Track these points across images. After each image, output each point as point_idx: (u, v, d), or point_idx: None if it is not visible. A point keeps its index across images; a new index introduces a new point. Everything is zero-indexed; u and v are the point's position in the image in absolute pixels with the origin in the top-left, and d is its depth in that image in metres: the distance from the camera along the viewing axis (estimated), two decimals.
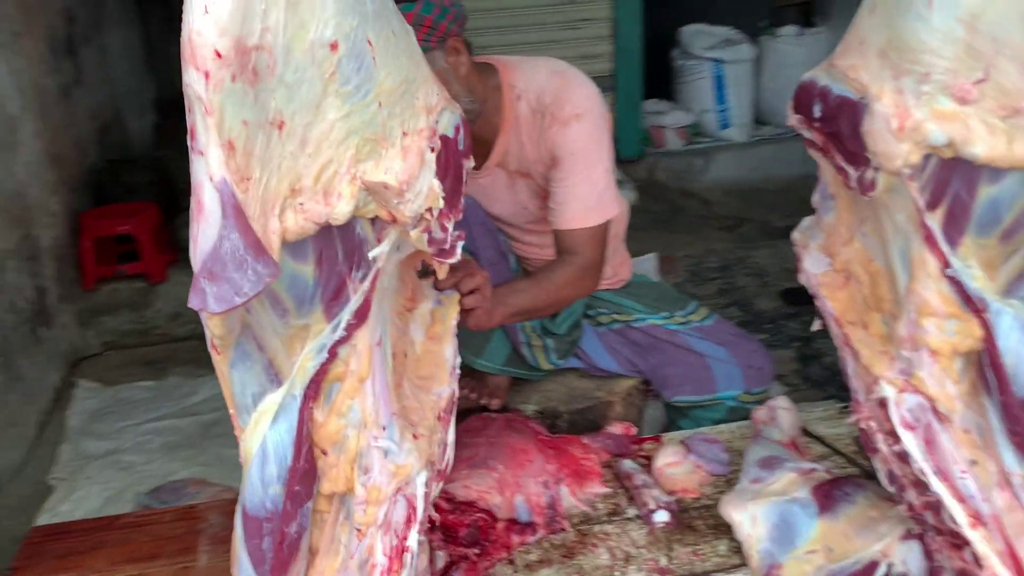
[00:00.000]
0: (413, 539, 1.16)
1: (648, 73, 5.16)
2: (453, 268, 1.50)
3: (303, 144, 0.94)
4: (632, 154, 5.18)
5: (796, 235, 1.57)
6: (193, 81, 0.87)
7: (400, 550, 1.15)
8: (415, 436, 1.20)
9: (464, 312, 1.52)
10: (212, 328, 1.00)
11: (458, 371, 1.39)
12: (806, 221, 1.59)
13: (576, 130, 1.73)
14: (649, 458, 1.87)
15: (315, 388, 1.12)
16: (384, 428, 1.14)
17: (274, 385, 1.13)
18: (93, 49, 4.05)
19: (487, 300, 1.54)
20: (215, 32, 0.86)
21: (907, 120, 1.19)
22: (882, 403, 1.35)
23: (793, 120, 1.42)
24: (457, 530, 1.61)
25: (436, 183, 1.05)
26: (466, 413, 2.03)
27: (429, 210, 1.06)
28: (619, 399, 2.07)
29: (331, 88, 0.93)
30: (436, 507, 1.62)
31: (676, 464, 1.85)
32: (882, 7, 1.22)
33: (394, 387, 1.19)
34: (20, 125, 3.14)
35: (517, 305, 1.71)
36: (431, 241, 1.14)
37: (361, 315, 1.09)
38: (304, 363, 1.12)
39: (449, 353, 1.35)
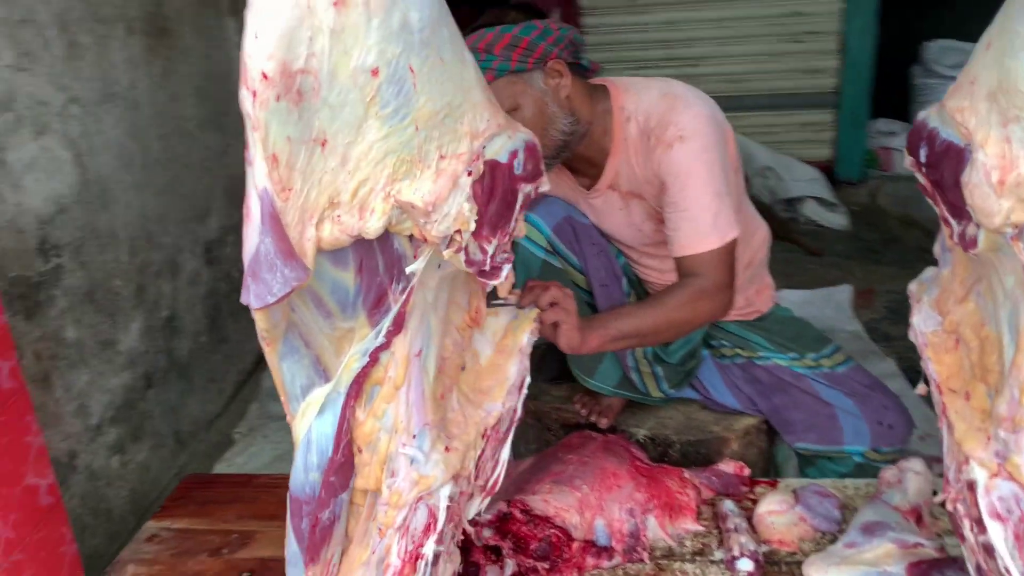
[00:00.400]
0: (429, 548, 1.20)
1: (878, 90, 4.81)
2: (531, 287, 1.53)
3: (343, 161, 1.02)
4: (853, 176, 4.87)
5: (912, 287, 1.44)
6: (243, 98, 0.97)
7: (415, 556, 1.20)
8: (447, 449, 1.24)
9: (553, 329, 1.54)
10: (258, 322, 1.11)
11: (524, 390, 1.41)
12: (928, 272, 1.45)
13: (680, 152, 1.69)
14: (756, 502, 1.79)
15: (357, 388, 1.20)
16: (414, 437, 1.20)
17: (321, 380, 1.23)
18: None
19: (570, 315, 1.54)
20: (263, 56, 0.97)
21: (1011, 173, 1.08)
22: (971, 486, 1.21)
23: (907, 162, 1.31)
24: (528, 542, 1.64)
25: (467, 206, 1.08)
26: (574, 428, 2.05)
27: (459, 232, 1.10)
28: (736, 437, 1.99)
29: (371, 111, 1.00)
30: (511, 516, 1.66)
31: (779, 513, 1.76)
32: (997, 44, 1.10)
33: (434, 398, 1.25)
34: None
35: (620, 329, 1.68)
36: (468, 261, 1.17)
37: (398, 325, 1.16)
38: (350, 363, 1.20)
39: (513, 370, 1.38)
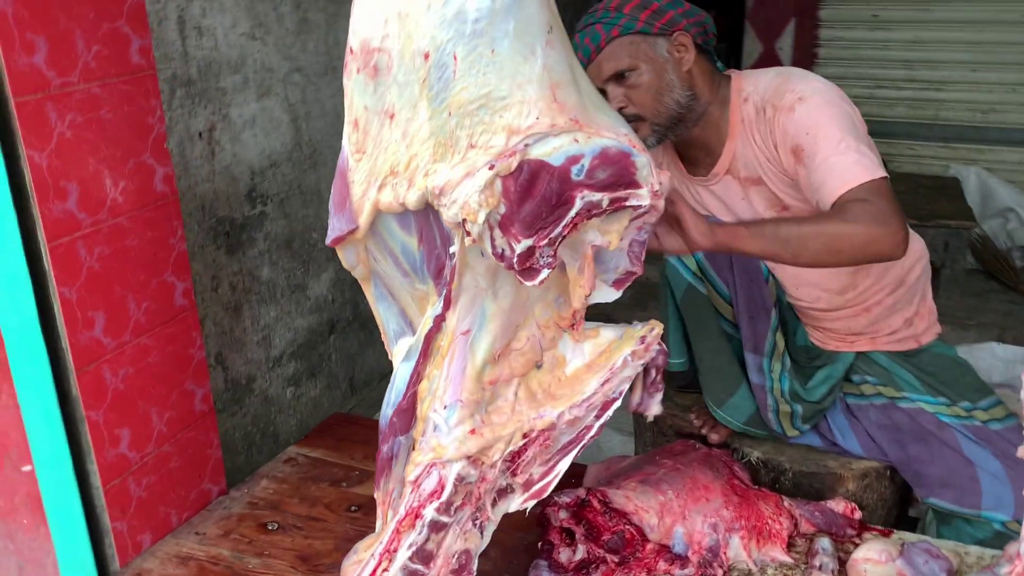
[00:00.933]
0: (429, 512, 1.27)
1: None
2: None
3: (404, 135, 1.13)
4: None
5: None
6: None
7: (415, 514, 1.28)
8: (473, 431, 1.30)
9: (670, 228, 1.44)
10: (341, 258, 1.27)
11: (606, 412, 1.41)
12: None
13: (802, 111, 1.63)
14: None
15: (426, 347, 1.31)
16: (444, 407, 1.28)
17: (409, 331, 1.35)
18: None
19: (694, 223, 1.40)
20: (351, 33, 1.11)
21: None
22: None
23: None
24: (602, 532, 1.67)
25: (476, 197, 1.11)
26: (687, 437, 2.03)
27: (466, 220, 1.13)
28: (853, 477, 1.87)
29: (423, 92, 1.10)
30: (588, 504, 1.70)
31: (876, 562, 1.65)
32: None
33: (478, 379, 1.30)
34: None
35: (763, 227, 1.49)
36: (495, 254, 1.19)
37: (445, 301, 1.25)
38: (424, 323, 1.31)
39: (592, 385, 1.39)
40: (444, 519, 1.31)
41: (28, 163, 1.45)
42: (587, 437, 1.41)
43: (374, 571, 1.33)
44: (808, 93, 1.63)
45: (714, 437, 1.96)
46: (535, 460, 1.40)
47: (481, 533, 1.40)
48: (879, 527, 1.81)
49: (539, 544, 1.72)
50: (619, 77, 1.71)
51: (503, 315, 1.33)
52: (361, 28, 1.09)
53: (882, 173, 1.55)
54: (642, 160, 1.20)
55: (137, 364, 1.73)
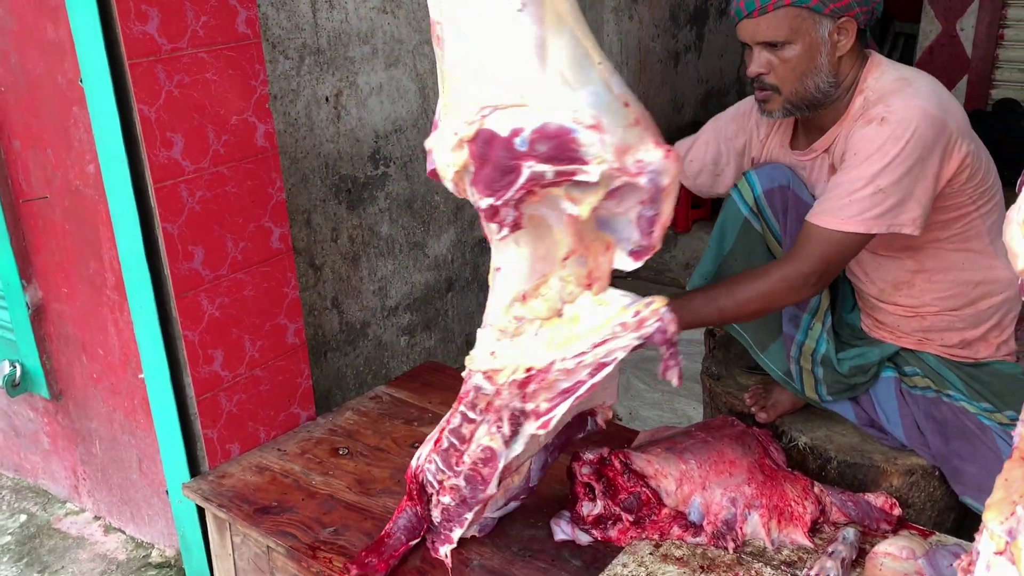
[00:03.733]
0: (461, 406, 1.60)
1: None
2: None
3: (452, 96, 1.31)
4: None
5: None
6: None
7: (456, 405, 1.64)
8: (492, 353, 1.54)
9: None
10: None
11: (594, 370, 1.50)
12: None
13: (872, 132, 1.60)
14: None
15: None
16: (484, 328, 1.55)
17: None
18: (723, 21, 4.52)
19: None
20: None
21: None
22: (976, 558, 1.08)
23: None
24: (619, 491, 1.74)
25: (450, 155, 1.31)
26: (739, 416, 2.03)
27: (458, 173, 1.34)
28: (898, 472, 1.81)
29: (440, 62, 1.26)
30: (609, 463, 1.77)
31: (895, 557, 1.62)
32: None
33: (509, 313, 1.51)
34: None
35: (696, 315, 1.65)
36: (474, 204, 1.39)
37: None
38: None
39: (583, 345, 1.50)
40: (471, 414, 1.58)
41: (139, 116, 1.72)
42: (581, 389, 1.50)
43: (436, 441, 1.69)
44: (894, 118, 1.59)
45: (762, 416, 1.96)
46: (539, 394, 1.52)
47: (504, 442, 1.57)
48: (920, 527, 1.75)
49: (540, 470, 1.82)
50: (771, 45, 1.68)
51: (525, 261, 1.48)
52: (431, 4, 1.28)
53: (856, 228, 1.61)
54: (587, 137, 1.27)
55: (232, 296, 1.99)
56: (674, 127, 4.22)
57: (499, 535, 1.79)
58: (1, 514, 2.47)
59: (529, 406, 1.54)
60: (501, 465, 1.59)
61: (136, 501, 2.28)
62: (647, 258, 1.53)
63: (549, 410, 1.53)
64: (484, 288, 3.34)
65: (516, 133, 1.27)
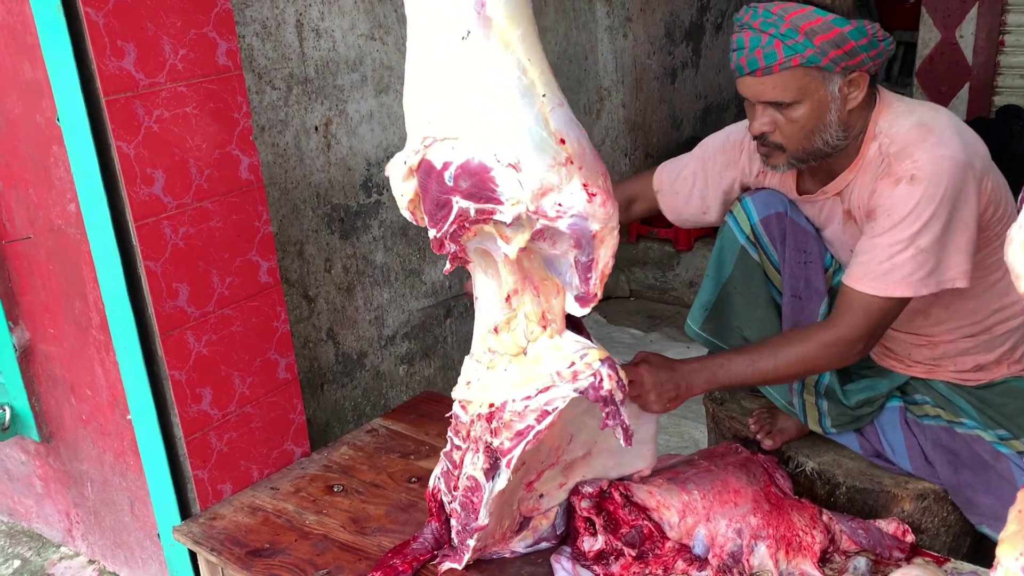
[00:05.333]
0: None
1: None
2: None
3: (409, 125, 1.36)
4: None
5: None
6: None
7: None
8: (468, 383, 1.55)
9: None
10: None
11: (540, 416, 1.46)
12: None
13: (903, 192, 1.52)
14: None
15: None
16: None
17: None
18: (720, 36, 4.49)
19: (646, 391, 1.60)
20: None
21: None
22: None
23: None
24: (620, 525, 1.68)
25: (395, 185, 1.36)
26: (743, 441, 1.97)
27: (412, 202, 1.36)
28: (909, 497, 1.75)
29: None
30: (609, 495, 1.71)
31: None
32: None
33: (485, 344, 1.49)
34: (609, 96, 3.79)
35: (727, 378, 1.63)
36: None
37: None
38: None
39: (530, 389, 1.47)
40: (455, 440, 1.57)
41: (117, 152, 1.69)
42: (530, 434, 1.44)
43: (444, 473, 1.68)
44: (924, 174, 1.51)
45: (767, 443, 1.90)
46: (501, 431, 1.46)
47: (485, 473, 1.51)
48: (934, 553, 1.68)
49: (566, 530, 1.76)
50: (777, 104, 1.58)
51: (492, 292, 1.42)
52: None
53: (899, 293, 1.55)
54: (504, 176, 1.23)
55: (220, 332, 1.95)
56: (672, 144, 4.17)
57: (498, 572, 1.73)
58: None
59: (495, 442, 1.49)
60: (486, 497, 1.53)
61: (129, 544, 2.22)
62: (592, 305, 1.46)
63: (510, 450, 1.47)
64: None
65: (446, 167, 1.26)
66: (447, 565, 1.67)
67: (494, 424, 1.45)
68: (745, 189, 1.88)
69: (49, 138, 1.81)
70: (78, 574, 2.34)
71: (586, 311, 1.41)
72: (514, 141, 1.24)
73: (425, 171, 1.27)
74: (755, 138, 1.65)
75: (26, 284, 2.08)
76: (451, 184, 1.26)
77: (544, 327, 1.44)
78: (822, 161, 1.69)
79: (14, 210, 2.00)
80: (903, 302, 1.58)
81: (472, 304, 3.21)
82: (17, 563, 2.40)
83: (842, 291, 1.61)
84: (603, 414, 1.41)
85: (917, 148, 1.55)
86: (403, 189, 1.29)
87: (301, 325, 2.55)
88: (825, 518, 1.70)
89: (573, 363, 1.40)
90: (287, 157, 2.45)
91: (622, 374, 1.43)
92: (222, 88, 1.86)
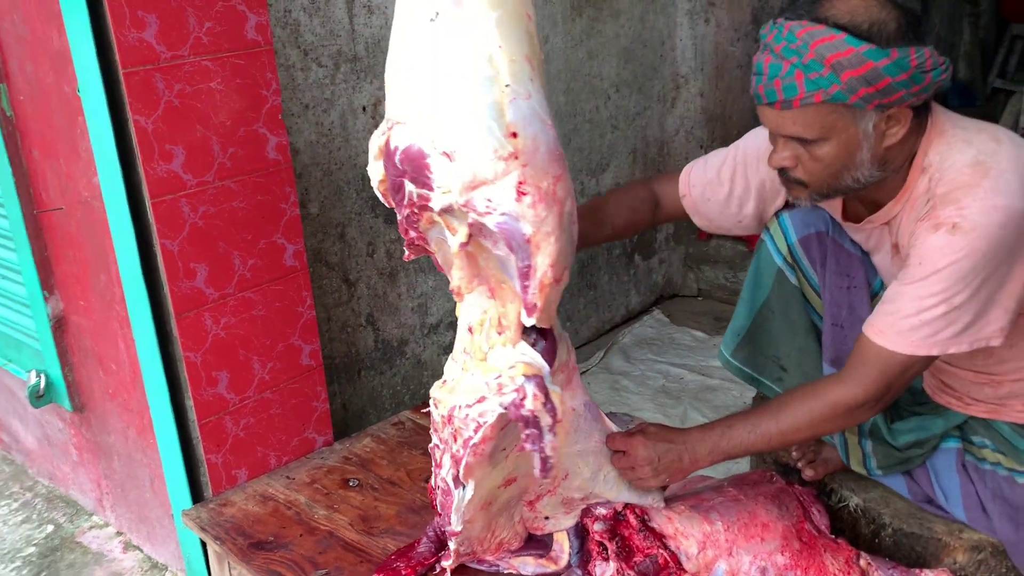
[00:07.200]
0: None
1: None
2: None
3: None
4: None
5: None
6: None
7: None
8: (444, 382, 1.45)
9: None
10: None
11: (475, 429, 1.34)
12: None
13: (943, 241, 1.31)
14: None
15: None
16: None
17: None
18: None
19: (639, 468, 1.50)
20: None
21: None
22: None
23: None
24: (634, 552, 1.56)
25: (372, 166, 1.30)
26: (783, 468, 1.81)
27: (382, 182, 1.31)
28: (963, 548, 1.56)
29: None
30: (624, 519, 1.59)
31: None
32: None
33: (463, 343, 1.39)
34: (686, 84, 3.61)
35: (731, 447, 1.48)
36: None
37: None
38: None
39: (468, 398, 1.36)
40: (434, 438, 1.48)
41: (134, 127, 1.64)
42: (468, 446, 1.33)
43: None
44: (968, 225, 1.29)
45: (808, 473, 1.73)
46: (458, 437, 1.37)
47: (453, 479, 1.41)
48: None
49: (578, 552, 1.65)
50: (800, 139, 1.39)
51: (467, 284, 1.34)
52: None
53: (925, 353, 1.36)
54: (438, 164, 1.16)
55: (239, 315, 1.90)
56: None
57: None
58: (30, 524, 2.46)
59: (454, 448, 1.38)
60: (455, 503, 1.43)
61: (151, 520, 2.22)
62: (537, 316, 1.29)
63: (461, 458, 1.36)
64: None
65: (396, 150, 1.19)
66: (447, 563, 1.59)
67: (450, 429, 1.36)
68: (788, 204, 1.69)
69: (75, 109, 1.78)
70: (105, 544, 2.35)
71: (532, 321, 1.27)
72: (456, 129, 1.14)
73: (387, 154, 1.21)
74: (776, 170, 1.47)
75: (59, 254, 2.08)
76: (400, 168, 1.21)
77: (500, 333, 1.32)
78: (857, 192, 1.49)
79: (48, 180, 1.99)
80: (928, 360, 1.39)
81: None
82: (50, 528, 2.43)
83: (859, 341, 1.42)
84: (522, 436, 1.29)
85: (967, 194, 1.32)
86: (375, 170, 1.23)
87: (340, 309, 2.49)
88: (863, 563, 1.54)
89: (500, 375, 1.28)
90: (332, 137, 2.38)
91: (556, 398, 1.29)
92: (250, 64, 1.79)
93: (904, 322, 1.35)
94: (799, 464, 1.76)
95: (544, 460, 1.29)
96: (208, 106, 1.74)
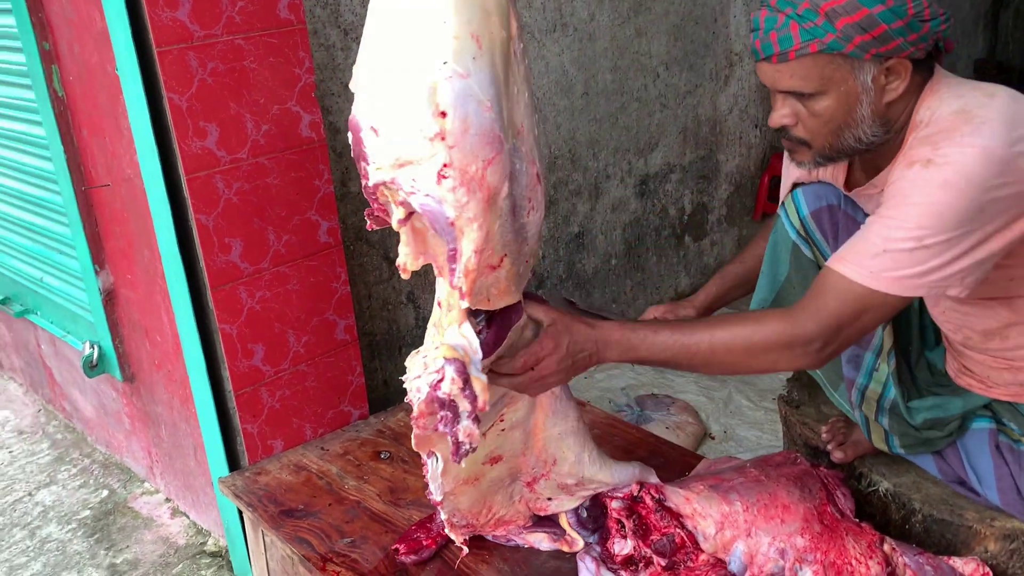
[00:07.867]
0: None
1: None
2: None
3: None
4: None
5: None
6: None
7: None
8: (417, 351, 1.34)
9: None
10: None
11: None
12: None
13: (915, 175, 1.26)
14: None
15: None
16: None
17: None
18: None
19: (548, 368, 1.34)
20: None
21: None
22: None
23: None
24: (651, 531, 1.55)
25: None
26: (813, 449, 1.77)
27: None
28: (995, 536, 1.50)
29: None
30: (641, 499, 1.58)
31: None
32: None
33: (437, 315, 1.35)
34: (740, 62, 3.53)
35: (650, 353, 1.35)
36: None
37: None
38: None
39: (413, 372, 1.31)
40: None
41: (168, 105, 1.69)
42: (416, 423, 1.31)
43: None
44: (942, 161, 1.25)
45: (837, 455, 1.69)
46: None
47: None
48: None
49: (598, 529, 1.65)
50: (798, 94, 1.36)
51: (411, 265, 1.34)
52: None
53: (891, 290, 1.27)
54: (368, 138, 1.15)
55: (274, 289, 1.94)
56: None
57: (523, 564, 1.64)
58: (87, 488, 2.57)
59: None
60: (430, 471, 1.43)
61: (195, 488, 2.30)
62: (467, 300, 1.23)
63: None
64: (579, 285, 3.18)
65: (348, 121, 1.19)
66: (459, 537, 1.60)
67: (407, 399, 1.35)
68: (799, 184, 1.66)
69: (118, 88, 1.84)
70: (154, 510, 2.45)
71: (466, 304, 1.24)
72: (383, 105, 1.13)
73: (354, 127, 1.21)
74: (776, 130, 1.43)
75: (108, 230, 2.16)
76: (351, 139, 1.21)
77: (449, 311, 1.31)
78: (862, 155, 1.45)
79: (96, 157, 2.06)
80: (886, 307, 1.30)
81: (572, 275, 3.10)
82: (105, 493, 2.54)
83: (823, 275, 1.34)
84: (437, 416, 1.25)
85: (948, 136, 1.27)
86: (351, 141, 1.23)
87: (380, 287, 2.53)
88: (887, 548, 1.50)
89: (426, 355, 1.27)
90: (321, 113, 2.41)
91: (478, 385, 1.25)
92: (283, 42, 1.83)
93: (868, 248, 1.28)
94: (828, 446, 1.72)
95: (457, 445, 1.26)
96: (241, 84, 1.78)
